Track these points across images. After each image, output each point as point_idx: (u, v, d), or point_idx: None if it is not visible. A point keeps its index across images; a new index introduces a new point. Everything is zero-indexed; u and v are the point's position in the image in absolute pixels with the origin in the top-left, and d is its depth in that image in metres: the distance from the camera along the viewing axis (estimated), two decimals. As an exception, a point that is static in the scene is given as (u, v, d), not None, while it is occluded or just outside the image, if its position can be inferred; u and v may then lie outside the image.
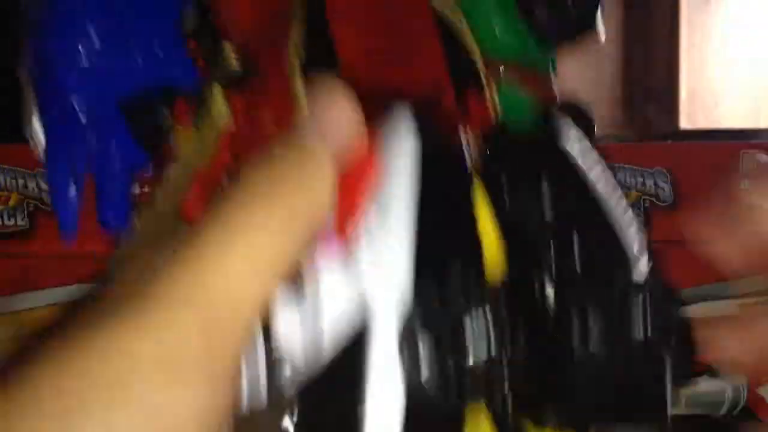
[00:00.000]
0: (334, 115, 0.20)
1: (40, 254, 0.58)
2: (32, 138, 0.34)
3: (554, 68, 0.33)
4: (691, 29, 1.64)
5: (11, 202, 0.59)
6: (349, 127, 0.20)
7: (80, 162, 0.33)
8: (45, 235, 0.60)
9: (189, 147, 0.30)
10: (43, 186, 0.59)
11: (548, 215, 0.23)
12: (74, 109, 0.32)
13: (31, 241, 0.60)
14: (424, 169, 0.21)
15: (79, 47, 0.31)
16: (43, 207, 0.59)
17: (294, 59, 0.28)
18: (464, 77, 0.29)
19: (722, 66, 1.11)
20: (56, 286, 0.56)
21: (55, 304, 0.56)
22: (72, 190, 0.33)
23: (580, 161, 0.23)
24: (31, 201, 0.60)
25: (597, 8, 0.32)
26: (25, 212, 0.60)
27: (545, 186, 0.23)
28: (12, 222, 0.60)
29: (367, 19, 0.29)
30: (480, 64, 0.30)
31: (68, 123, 0.32)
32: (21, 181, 0.59)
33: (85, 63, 0.31)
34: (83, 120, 0.32)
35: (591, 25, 0.32)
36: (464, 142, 0.24)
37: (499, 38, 0.31)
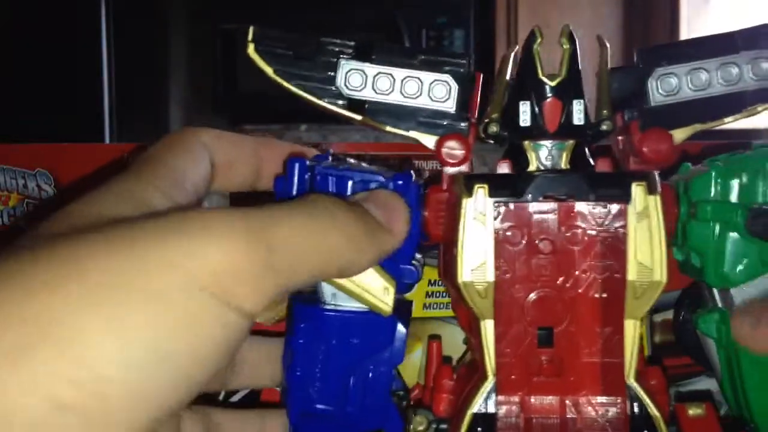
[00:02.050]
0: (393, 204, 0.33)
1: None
2: None
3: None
4: (691, 29, 1.64)
5: (11, 202, 0.59)
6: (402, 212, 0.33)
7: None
8: (45, 234, 0.60)
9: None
10: (43, 186, 0.59)
11: None
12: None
13: (31, 241, 0.60)
14: None
15: (310, 390, 0.36)
16: (43, 207, 0.60)
17: None
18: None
19: (722, 66, 1.10)
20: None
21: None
22: None
23: None
24: (31, 201, 0.60)
25: None
26: (25, 212, 0.60)
27: None
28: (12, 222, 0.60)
29: None
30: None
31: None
32: (21, 181, 0.59)
33: (313, 405, 0.36)
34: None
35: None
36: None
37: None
